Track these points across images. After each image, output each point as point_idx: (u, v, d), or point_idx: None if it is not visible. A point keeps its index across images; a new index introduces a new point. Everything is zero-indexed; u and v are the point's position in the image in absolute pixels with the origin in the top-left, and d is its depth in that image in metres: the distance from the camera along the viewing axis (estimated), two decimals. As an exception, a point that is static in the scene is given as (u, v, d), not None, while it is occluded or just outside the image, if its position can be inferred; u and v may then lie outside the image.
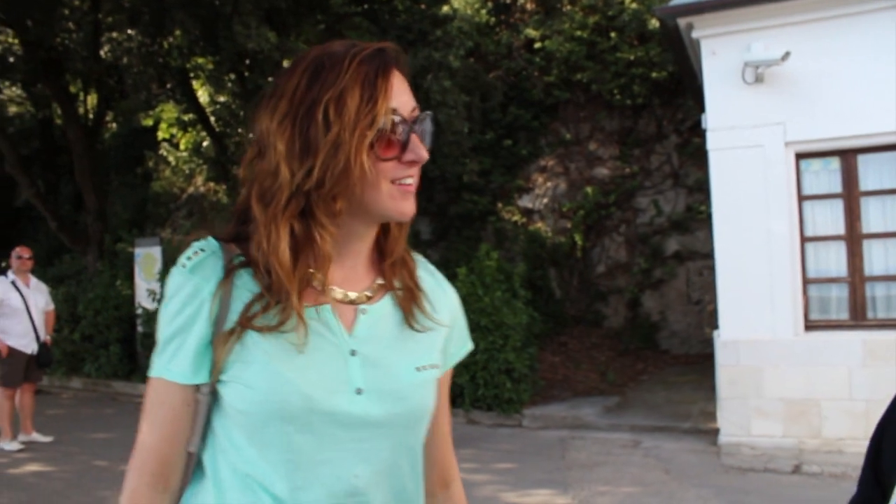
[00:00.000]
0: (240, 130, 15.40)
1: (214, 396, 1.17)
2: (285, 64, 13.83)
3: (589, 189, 13.28)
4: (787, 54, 6.89)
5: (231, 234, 1.20)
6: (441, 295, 1.31)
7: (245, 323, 1.12)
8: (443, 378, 1.31)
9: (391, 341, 1.21)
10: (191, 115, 16.22)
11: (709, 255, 9.87)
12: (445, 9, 13.24)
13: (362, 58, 1.11)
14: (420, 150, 1.14)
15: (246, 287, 1.15)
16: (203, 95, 15.78)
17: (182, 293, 1.15)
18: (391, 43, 1.19)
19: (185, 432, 1.17)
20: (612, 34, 13.45)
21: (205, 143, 16.61)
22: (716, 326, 7.54)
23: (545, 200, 13.83)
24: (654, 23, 11.64)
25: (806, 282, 7.17)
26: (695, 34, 7.50)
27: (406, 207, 1.16)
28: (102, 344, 12.47)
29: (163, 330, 1.18)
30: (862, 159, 7.00)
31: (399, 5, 13.02)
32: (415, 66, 12.37)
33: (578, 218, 13.19)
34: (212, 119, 15.61)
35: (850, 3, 6.94)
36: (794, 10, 7.11)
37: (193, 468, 1.20)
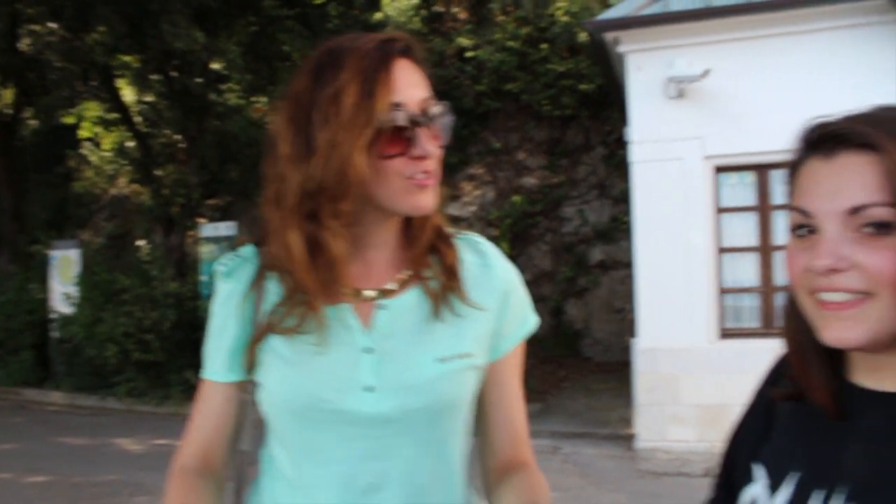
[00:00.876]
0: (166, 131, 15.08)
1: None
2: (214, 66, 13.68)
3: (516, 198, 13.44)
4: (706, 71, 7.11)
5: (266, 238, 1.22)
6: (486, 278, 1.24)
7: (267, 327, 1.16)
8: (503, 362, 1.27)
9: (412, 335, 1.17)
10: (115, 115, 15.81)
11: (631, 265, 10.09)
12: (378, 15, 13.26)
13: (363, 52, 1.09)
14: (427, 146, 1.11)
15: (275, 290, 1.18)
16: (128, 94, 15.40)
17: (218, 298, 1.25)
18: (402, 32, 1.18)
19: (227, 427, 1.24)
20: (543, 46, 13.66)
21: (129, 144, 16.21)
22: (636, 334, 7.70)
23: (473, 208, 13.94)
24: (584, 36, 11.86)
25: (721, 291, 7.40)
26: (621, 49, 7.68)
27: (422, 202, 1.14)
28: (13, 350, 12.01)
29: (209, 334, 1.28)
30: (774, 174, 7.26)
31: (331, 10, 12.98)
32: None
33: (505, 226, 13.32)
34: (137, 119, 15.24)
35: (767, 25, 7.22)
36: (716, 29, 7.35)
37: (257, 467, 1.26)
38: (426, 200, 1.14)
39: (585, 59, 13.05)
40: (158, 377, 10.65)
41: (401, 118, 1.08)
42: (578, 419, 8.85)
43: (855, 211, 0.82)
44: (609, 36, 7.68)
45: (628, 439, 7.79)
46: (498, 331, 1.25)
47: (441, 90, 1.16)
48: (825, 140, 0.87)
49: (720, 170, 7.45)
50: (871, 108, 0.87)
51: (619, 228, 12.87)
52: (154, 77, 13.62)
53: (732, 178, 7.46)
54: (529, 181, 13.81)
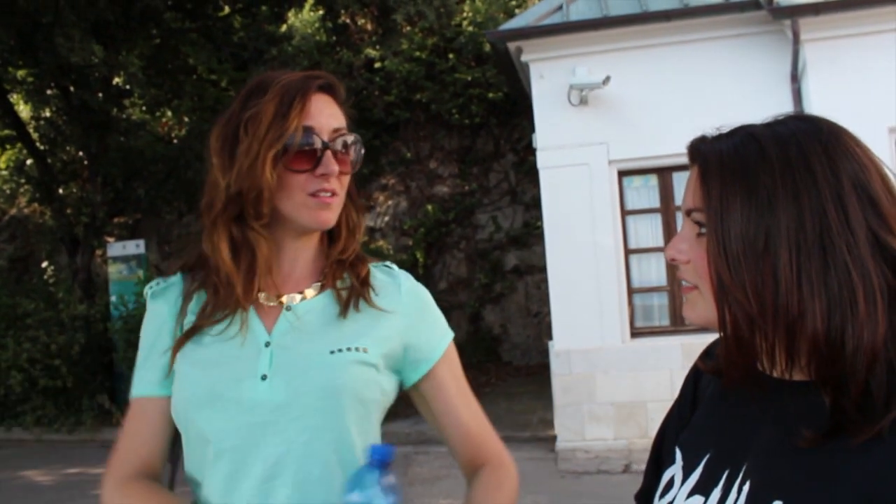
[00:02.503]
0: (67, 148, 14.54)
1: None
2: (115, 81, 13.27)
3: (429, 207, 13.52)
4: (607, 78, 7.33)
5: (194, 260, 1.35)
6: (393, 289, 1.37)
7: (194, 328, 1.27)
8: (433, 373, 1.36)
9: (311, 333, 1.28)
10: (9, 132, 15.13)
11: (545, 269, 10.29)
12: (283, 28, 13.14)
13: (286, 82, 1.26)
14: (331, 165, 1.25)
15: (196, 304, 1.30)
16: (25, 111, 14.78)
17: (147, 319, 1.34)
18: (325, 73, 1.33)
19: (163, 443, 1.30)
20: (451, 55, 13.79)
21: (28, 162, 15.55)
22: (551, 337, 7.86)
23: (386, 218, 13.94)
24: (490, 46, 12.04)
25: (631, 292, 7.63)
26: (524, 58, 7.84)
27: (322, 217, 1.27)
28: None
29: (139, 353, 1.34)
30: (677, 176, 7.52)
31: (235, 23, 12.79)
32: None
33: (419, 235, 13.38)
34: (34, 136, 14.63)
35: (663, 34, 7.50)
36: (615, 38, 7.59)
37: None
38: (326, 216, 1.28)
39: (492, 69, 13.23)
40: (68, 404, 10.26)
41: (310, 140, 1.25)
42: (499, 423, 8.87)
43: (688, 213, 0.96)
44: (512, 45, 7.84)
45: (549, 441, 7.92)
46: (417, 346, 1.35)
47: (350, 101, 1.29)
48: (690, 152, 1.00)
49: (624, 174, 7.68)
50: (738, 125, 0.97)
51: (532, 234, 13.09)
52: (51, 92, 13.11)
53: (636, 181, 7.71)
54: (442, 190, 13.91)
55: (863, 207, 0.85)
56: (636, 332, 7.60)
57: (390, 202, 14.07)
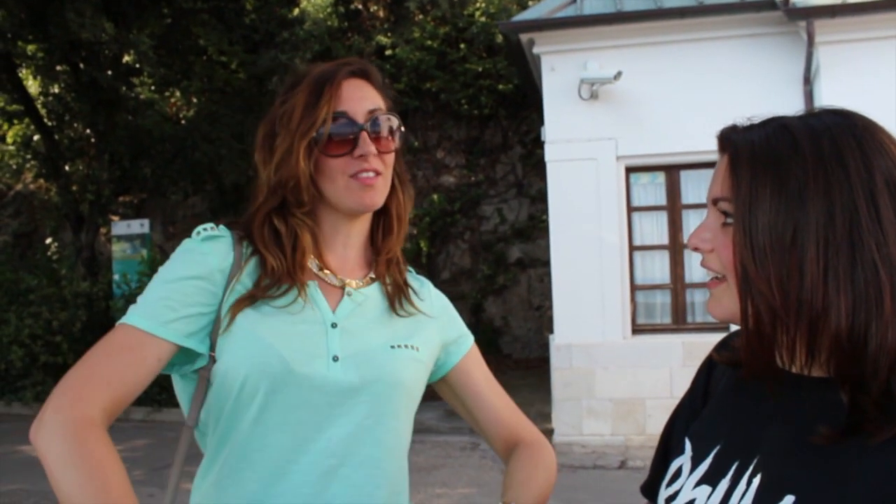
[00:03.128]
0: (75, 125, 14.53)
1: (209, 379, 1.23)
2: (125, 59, 13.25)
3: (435, 196, 13.50)
4: (619, 74, 7.30)
5: (245, 228, 1.32)
6: (424, 293, 1.44)
7: (249, 296, 1.23)
8: (461, 365, 1.44)
9: (372, 321, 1.32)
10: (18, 107, 15.13)
11: (549, 263, 10.30)
12: (295, 11, 13.09)
13: (318, 73, 1.29)
14: (368, 146, 1.26)
15: (250, 274, 1.27)
16: (33, 86, 14.76)
17: (189, 256, 1.25)
18: (359, 59, 1.36)
19: (140, 389, 1.17)
20: (462, 45, 13.74)
21: (35, 138, 15.55)
22: (552, 331, 7.85)
23: (392, 207, 13.94)
24: (502, 37, 12.00)
25: (634, 288, 7.62)
26: (536, 50, 7.81)
27: (366, 199, 1.28)
28: None
29: (157, 286, 1.22)
30: (684, 175, 7.51)
31: (248, 5, 12.75)
32: (261, 67, 12.14)
33: (424, 225, 13.37)
34: (42, 112, 14.63)
35: (677, 31, 7.46)
36: (628, 34, 7.56)
37: (207, 447, 1.27)
38: (370, 198, 1.29)
39: (503, 60, 13.19)
40: (67, 380, 10.30)
41: (344, 124, 1.26)
42: (497, 415, 8.94)
43: (714, 203, 0.95)
44: (524, 37, 7.81)
45: (547, 434, 7.84)
46: (448, 342, 1.44)
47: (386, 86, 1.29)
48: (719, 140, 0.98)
49: (632, 170, 7.66)
50: (769, 116, 0.97)
51: (536, 227, 13.07)
52: (60, 68, 13.09)
53: (644, 178, 7.68)
54: (448, 180, 13.89)
55: (895, 205, 0.84)
56: (637, 329, 7.59)
57: (396, 190, 14.06)
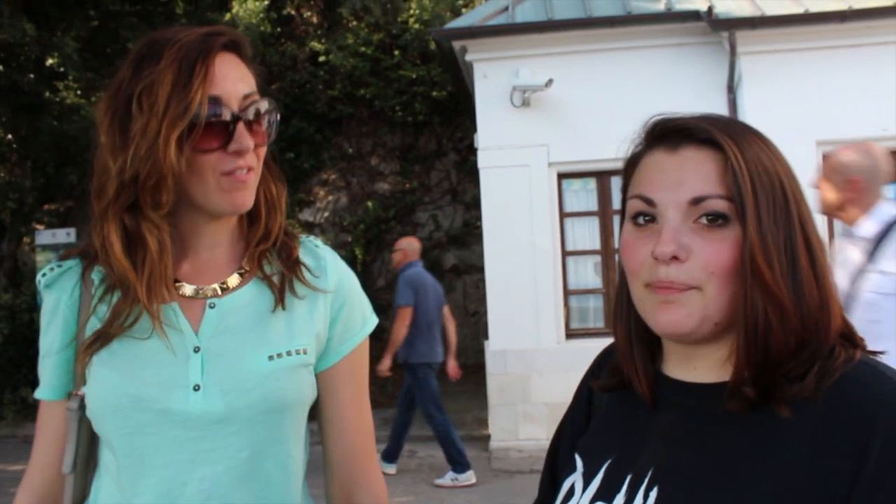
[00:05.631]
0: (-2, 131, 14.03)
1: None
2: (49, 62, 12.86)
3: (370, 203, 13.45)
4: (550, 81, 7.40)
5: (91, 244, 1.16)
6: (322, 270, 1.22)
7: (101, 330, 1.10)
8: (336, 369, 1.22)
9: (243, 332, 1.14)
10: (-66, 112, 14.54)
11: (484, 269, 10.36)
12: (227, 16, 12.91)
13: (183, 43, 1.06)
14: (245, 140, 1.08)
15: (106, 302, 1.13)
16: (-50, 90, 14.20)
17: (44, 312, 1.19)
18: (228, 27, 1.14)
19: (67, 449, 1.17)
20: (396, 52, 13.74)
21: (-47, 143, 14.96)
22: (488, 337, 7.89)
23: (326, 214, 13.83)
24: (435, 44, 12.05)
25: (567, 293, 7.71)
26: (468, 57, 7.86)
27: (238, 200, 1.11)
28: None
29: (40, 352, 1.20)
30: (615, 180, 7.63)
31: (178, 9, 12.51)
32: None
33: (359, 232, 13.30)
34: (-40, 117, 14.09)
35: (607, 39, 7.61)
36: (559, 42, 7.67)
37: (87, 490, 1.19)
38: (242, 198, 1.12)
39: (437, 67, 13.23)
40: (-12, 397, 9.92)
41: (217, 111, 1.07)
42: (433, 422, 8.93)
43: (696, 202, 0.86)
44: (457, 44, 7.85)
45: (484, 440, 7.96)
46: (333, 336, 1.22)
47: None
48: (670, 134, 0.92)
49: (564, 176, 7.76)
50: (702, 114, 0.94)
51: (471, 233, 13.12)
52: (-21, 72, 12.63)
53: (576, 184, 7.80)
54: (383, 187, 13.85)
55: None
56: (571, 334, 7.69)
57: (330, 198, 13.95)
